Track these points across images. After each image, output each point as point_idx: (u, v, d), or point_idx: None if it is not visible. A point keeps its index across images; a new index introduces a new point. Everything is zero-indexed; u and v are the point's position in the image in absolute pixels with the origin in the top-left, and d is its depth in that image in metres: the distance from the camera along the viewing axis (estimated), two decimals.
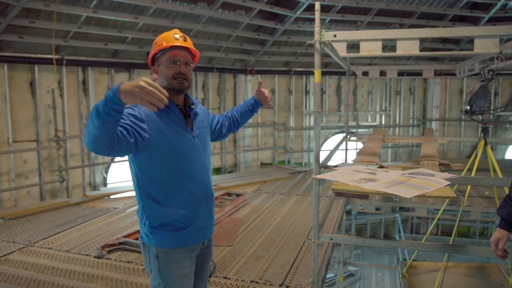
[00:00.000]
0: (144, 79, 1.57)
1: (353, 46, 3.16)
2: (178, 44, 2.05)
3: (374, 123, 10.51)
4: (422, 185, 2.27)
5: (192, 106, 2.16)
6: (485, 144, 4.07)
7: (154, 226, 2.03)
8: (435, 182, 2.32)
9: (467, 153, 10.50)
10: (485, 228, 10.11)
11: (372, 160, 3.29)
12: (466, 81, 10.18)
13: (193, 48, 2.12)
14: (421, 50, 2.98)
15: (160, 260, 2.03)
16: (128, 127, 1.82)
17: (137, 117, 1.89)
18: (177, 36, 2.07)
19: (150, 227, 2.03)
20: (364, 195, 2.19)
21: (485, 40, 2.80)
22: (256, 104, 2.57)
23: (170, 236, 2.03)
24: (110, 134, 1.68)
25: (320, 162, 3.25)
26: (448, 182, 2.34)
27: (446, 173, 2.61)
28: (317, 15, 3.03)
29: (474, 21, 8.67)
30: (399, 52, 2.94)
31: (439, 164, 3.27)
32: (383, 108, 10.46)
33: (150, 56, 2.10)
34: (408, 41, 2.93)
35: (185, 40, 2.09)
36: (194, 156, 2.08)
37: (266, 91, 2.55)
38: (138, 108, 1.94)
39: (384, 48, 3.05)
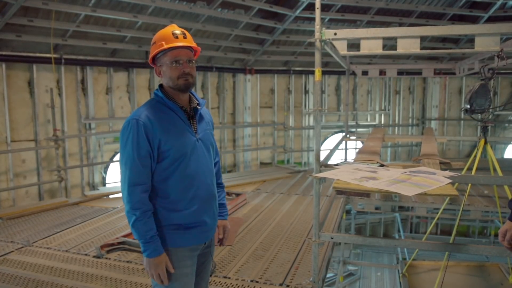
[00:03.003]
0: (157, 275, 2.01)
1: (353, 45, 3.15)
2: (178, 44, 2.00)
3: (374, 123, 10.51)
4: (424, 183, 2.26)
5: (198, 106, 2.13)
6: (485, 143, 4.06)
7: (156, 226, 2.01)
8: (436, 180, 2.30)
9: (466, 153, 10.50)
10: (484, 227, 10.12)
11: (372, 159, 3.28)
12: (465, 80, 10.19)
13: (194, 45, 2.08)
14: (421, 49, 2.97)
15: None
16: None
17: (144, 155, 1.95)
18: (176, 33, 2.02)
19: None
20: (365, 193, 2.18)
21: (486, 38, 2.79)
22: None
23: (172, 235, 2.02)
24: None
25: (320, 161, 3.23)
26: (450, 180, 2.33)
27: (447, 171, 2.60)
28: (318, 13, 3.02)
29: (473, 20, 8.67)
30: (400, 50, 2.93)
31: (440, 163, 3.26)
32: (383, 107, 10.46)
33: (151, 57, 2.06)
34: (409, 39, 2.92)
35: (185, 36, 2.04)
36: (197, 159, 2.06)
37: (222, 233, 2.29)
38: (141, 126, 1.94)
39: (383, 47, 3.04)
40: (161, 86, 2.11)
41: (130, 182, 1.93)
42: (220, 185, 2.33)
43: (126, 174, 1.95)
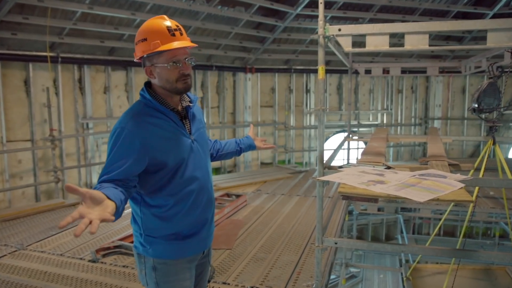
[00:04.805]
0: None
1: (355, 43, 3.01)
2: (178, 45, 1.74)
3: (376, 122, 10.37)
4: (435, 188, 2.12)
5: (190, 104, 1.95)
6: (494, 143, 3.92)
7: (153, 236, 1.86)
8: (448, 185, 2.17)
9: (470, 153, 10.36)
10: (488, 228, 9.98)
11: (378, 160, 3.14)
12: (469, 79, 10.03)
13: (192, 43, 1.82)
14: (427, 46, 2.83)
15: (158, 272, 1.87)
16: (129, 184, 1.69)
17: (132, 166, 1.69)
18: (170, 28, 1.76)
19: (147, 236, 1.87)
20: (373, 199, 2.05)
21: (499, 34, 2.64)
22: (252, 146, 2.41)
23: (170, 245, 1.87)
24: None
25: (324, 162, 3.10)
26: (462, 185, 2.19)
27: (458, 175, 2.46)
28: (321, 8, 2.88)
29: (478, 18, 8.51)
30: (408, 46, 2.79)
31: (449, 165, 3.13)
32: (385, 106, 10.32)
33: (140, 55, 1.81)
34: (417, 35, 2.77)
35: (181, 33, 1.80)
36: (194, 162, 1.89)
37: (258, 139, 2.46)
38: (127, 135, 1.70)
39: None
40: (146, 85, 1.89)
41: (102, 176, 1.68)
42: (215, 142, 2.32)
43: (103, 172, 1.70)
